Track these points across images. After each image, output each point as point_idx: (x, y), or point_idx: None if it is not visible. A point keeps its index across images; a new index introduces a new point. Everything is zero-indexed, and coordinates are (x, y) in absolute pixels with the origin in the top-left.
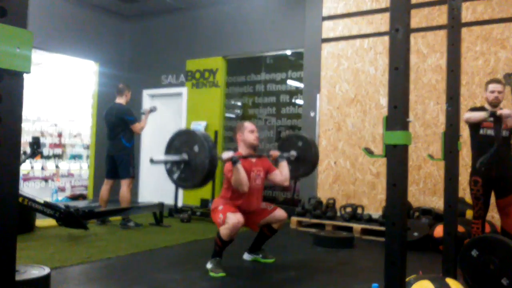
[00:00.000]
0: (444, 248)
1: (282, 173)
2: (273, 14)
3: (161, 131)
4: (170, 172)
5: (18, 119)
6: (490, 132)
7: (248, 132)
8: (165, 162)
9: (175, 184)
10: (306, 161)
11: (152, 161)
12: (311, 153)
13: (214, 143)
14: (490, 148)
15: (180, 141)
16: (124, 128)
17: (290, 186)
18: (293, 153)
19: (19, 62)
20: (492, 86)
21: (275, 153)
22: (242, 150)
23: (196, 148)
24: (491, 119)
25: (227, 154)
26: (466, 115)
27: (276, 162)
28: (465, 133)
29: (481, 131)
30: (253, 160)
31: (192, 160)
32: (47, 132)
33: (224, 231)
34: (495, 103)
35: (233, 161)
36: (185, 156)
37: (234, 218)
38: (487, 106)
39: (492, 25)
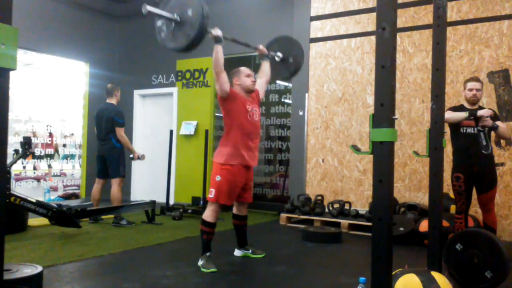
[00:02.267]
0: (429, 242)
1: (264, 71)
2: (262, 14)
3: (152, 131)
4: (159, 30)
5: (4, 116)
6: (470, 130)
7: (245, 77)
8: (158, 15)
9: (161, 42)
10: (290, 62)
11: (145, 9)
12: (295, 53)
13: (207, 13)
14: (470, 147)
15: (177, 1)
16: (114, 129)
17: (279, 184)
18: (279, 53)
19: (4, 59)
20: (470, 84)
21: (263, 49)
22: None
23: (189, 12)
24: (471, 118)
25: (216, 31)
26: (446, 115)
27: (262, 58)
28: (449, 130)
29: (461, 130)
30: (248, 98)
31: (183, 22)
32: (38, 132)
33: (208, 218)
34: (473, 101)
35: (218, 39)
36: (176, 17)
37: (217, 205)
38: (465, 104)
39: (476, 24)
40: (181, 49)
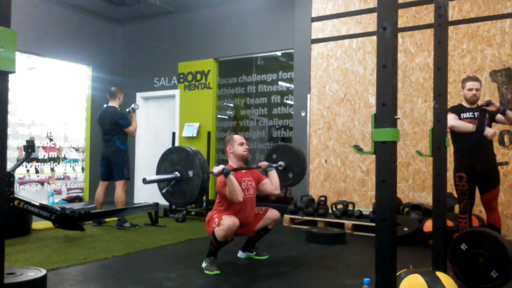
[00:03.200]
0: (434, 243)
1: (272, 182)
2: (263, 15)
3: (155, 133)
4: (160, 186)
5: (3, 119)
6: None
7: (238, 145)
8: (159, 181)
9: (164, 197)
10: (294, 170)
11: (145, 181)
12: (299, 162)
13: (206, 165)
14: (472, 146)
15: (174, 158)
16: (118, 131)
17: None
18: (281, 163)
19: (3, 62)
20: (470, 84)
21: (263, 164)
22: (233, 162)
23: (190, 173)
24: (470, 115)
25: (218, 168)
26: (450, 120)
27: (265, 173)
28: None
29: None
30: (243, 171)
31: (184, 179)
32: (41, 136)
33: (219, 232)
34: (473, 101)
35: (225, 173)
36: (177, 174)
37: (230, 220)
38: (464, 103)
39: (478, 23)
40: (187, 204)
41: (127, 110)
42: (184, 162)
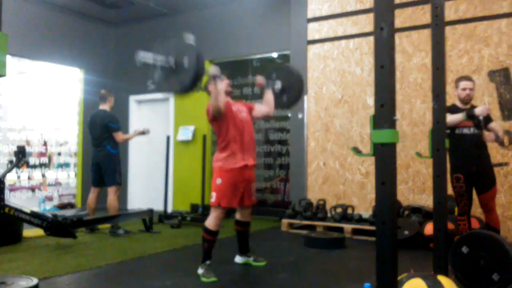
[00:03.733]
0: (435, 246)
1: (267, 101)
2: (259, 17)
3: (149, 137)
4: (152, 71)
5: None
6: (466, 131)
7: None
8: (152, 65)
9: (156, 85)
10: (291, 90)
11: (138, 58)
12: (295, 81)
13: (203, 62)
14: (468, 147)
15: (172, 45)
16: (109, 135)
17: (280, 188)
18: (278, 83)
19: None
20: (463, 84)
21: (261, 80)
22: None
23: (185, 59)
24: (469, 117)
25: (214, 70)
26: (447, 119)
27: (262, 90)
28: None
29: (457, 131)
30: (230, 100)
31: (178, 68)
32: (32, 141)
33: (209, 221)
34: (467, 101)
35: (216, 76)
36: (172, 63)
37: (220, 211)
38: (457, 103)
39: (475, 23)
40: (177, 93)
41: (141, 130)
42: (177, 51)
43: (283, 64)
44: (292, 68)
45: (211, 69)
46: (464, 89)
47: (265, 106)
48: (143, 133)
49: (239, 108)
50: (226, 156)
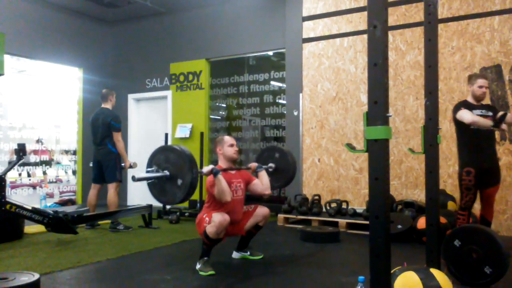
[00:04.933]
0: (427, 239)
1: (262, 182)
2: (254, 15)
3: (147, 135)
4: (153, 191)
5: None
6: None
7: (228, 146)
8: (148, 179)
9: (154, 197)
10: (284, 171)
11: (134, 178)
12: (288, 163)
13: (195, 164)
14: (482, 142)
15: (164, 157)
16: (110, 133)
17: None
18: (271, 164)
19: None
20: (481, 81)
21: (253, 165)
22: (222, 163)
23: (180, 171)
24: (480, 112)
25: (207, 168)
26: (470, 117)
27: (255, 174)
28: (444, 126)
29: (472, 126)
30: (233, 172)
31: (173, 178)
32: (33, 139)
33: (210, 229)
34: (482, 98)
35: (214, 172)
36: (166, 173)
37: (220, 216)
38: (470, 99)
39: (467, 21)
40: (178, 201)
41: (123, 164)
42: (174, 161)
43: (275, 146)
44: (284, 149)
45: (204, 170)
46: (481, 87)
47: (261, 186)
48: (131, 166)
49: (237, 187)
50: (212, 210)
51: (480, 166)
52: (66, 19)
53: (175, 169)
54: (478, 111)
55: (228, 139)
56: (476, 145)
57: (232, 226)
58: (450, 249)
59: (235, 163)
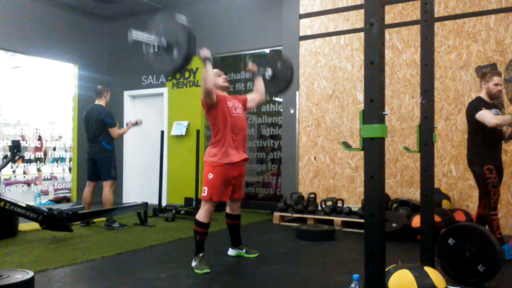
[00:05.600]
0: (422, 238)
1: (258, 89)
2: (251, 12)
3: (143, 132)
4: (146, 52)
5: None
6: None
7: (216, 76)
8: (145, 43)
9: (148, 65)
10: (281, 78)
11: (131, 36)
12: (285, 70)
13: (194, 38)
14: (497, 141)
15: (164, 24)
16: (104, 130)
17: (272, 182)
18: (269, 71)
19: None
20: (497, 79)
21: (253, 67)
22: None
23: (176, 37)
24: (495, 112)
25: (205, 52)
26: (493, 120)
27: (253, 76)
28: (439, 125)
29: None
30: (227, 95)
31: (170, 47)
32: (28, 135)
33: (201, 217)
34: (497, 96)
35: (207, 58)
36: (163, 42)
37: (211, 205)
38: (485, 97)
39: (463, 19)
40: (168, 73)
41: (134, 121)
42: (168, 29)
43: (274, 52)
44: (283, 56)
45: (202, 51)
46: (497, 85)
47: (256, 94)
48: (136, 123)
49: (234, 104)
50: (218, 151)
51: (496, 164)
52: (61, 15)
53: (173, 40)
54: (494, 111)
55: (214, 70)
56: (493, 143)
57: (237, 150)
58: (444, 247)
59: (228, 92)
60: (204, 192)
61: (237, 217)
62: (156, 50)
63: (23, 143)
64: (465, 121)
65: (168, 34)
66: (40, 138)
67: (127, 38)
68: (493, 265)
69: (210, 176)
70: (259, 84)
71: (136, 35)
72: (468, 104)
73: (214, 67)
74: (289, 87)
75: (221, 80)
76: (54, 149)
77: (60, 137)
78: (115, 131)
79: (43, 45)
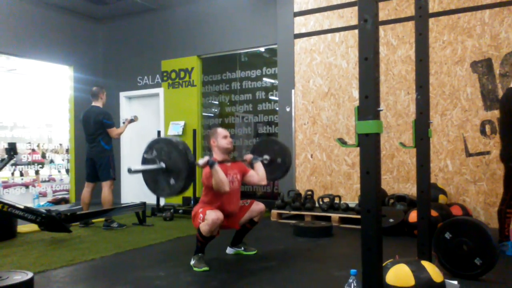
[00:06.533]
0: (419, 232)
1: (258, 173)
2: (245, 11)
3: (140, 133)
4: (149, 183)
5: None
6: None
7: (222, 138)
8: (143, 171)
9: (156, 194)
10: (279, 164)
11: (130, 171)
12: (284, 156)
13: (192, 156)
14: None
15: (159, 149)
16: (102, 131)
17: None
18: (266, 156)
19: None
20: None
21: (248, 156)
22: (217, 155)
23: (175, 160)
24: None
25: (203, 160)
26: None
27: (251, 165)
28: (435, 120)
29: None
30: (228, 164)
31: (169, 171)
32: (24, 138)
33: (204, 227)
34: None
35: (210, 163)
36: (162, 164)
37: (214, 214)
38: None
39: (458, 14)
40: (175, 194)
41: (129, 118)
42: (169, 153)
43: (270, 138)
44: (279, 141)
45: (200, 161)
46: None
47: (257, 176)
48: (132, 120)
49: (233, 178)
50: (209, 203)
51: None
52: (56, 17)
53: (171, 161)
54: None
55: (221, 130)
56: None
57: (227, 219)
58: (441, 241)
59: (230, 155)
60: (200, 218)
61: (254, 223)
62: (157, 175)
63: (20, 146)
64: (461, 116)
65: (165, 157)
66: (37, 141)
67: (122, 39)
68: (490, 258)
69: (200, 210)
70: (260, 169)
71: (135, 169)
72: (507, 92)
73: (209, 68)
74: (287, 172)
75: (226, 142)
76: (52, 151)
77: (58, 140)
78: (114, 132)
79: (38, 48)
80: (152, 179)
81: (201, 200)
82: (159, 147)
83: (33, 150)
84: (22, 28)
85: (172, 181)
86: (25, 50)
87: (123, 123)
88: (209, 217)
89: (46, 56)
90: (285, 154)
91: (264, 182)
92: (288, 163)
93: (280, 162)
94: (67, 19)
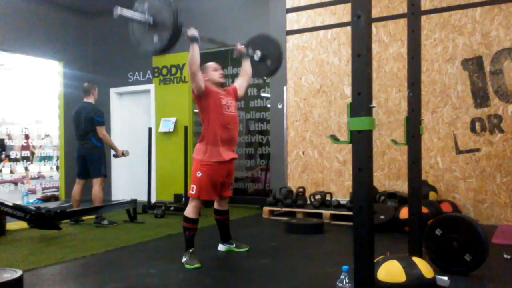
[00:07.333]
0: (410, 229)
1: (245, 72)
2: (237, 7)
3: (130, 129)
4: (132, 32)
5: None
6: None
7: (212, 71)
8: (131, 19)
9: (135, 45)
10: (268, 67)
11: (116, 12)
12: (274, 50)
13: (180, 15)
14: None
15: (150, 3)
16: (94, 128)
17: (261, 178)
18: (258, 52)
19: None
20: None
21: (241, 48)
22: None
23: (163, 14)
24: None
25: (192, 31)
26: None
27: (241, 58)
28: (426, 118)
29: None
30: (221, 91)
31: (156, 24)
32: (13, 134)
33: (188, 213)
34: None
35: (194, 38)
36: (149, 19)
37: (199, 201)
38: None
39: (450, 12)
40: (155, 52)
41: (115, 153)
42: (155, 7)
43: (263, 33)
44: (271, 37)
45: (190, 30)
46: None
47: (243, 79)
48: (123, 154)
49: (228, 102)
50: (208, 148)
51: None
52: (45, 11)
53: (158, 18)
54: None
55: (211, 64)
56: None
57: (228, 151)
58: (432, 238)
59: (223, 87)
60: (193, 190)
61: (226, 213)
62: (143, 29)
63: (8, 142)
64: (451, 114)
65: (154, 12)
66: (26, 137)
67: (112, 34)
68: (480, 255)
69: (199, 174)
70: (247, 66)
71: (122, 11)
72: None
73: (201, 64)
74: (279, 69)
75: (217, 75)
76: (41, 147)
77: (47, 136)
78: (102, 131)
79: (26, 43)
80: (138, 31)
81: (202, 133)
82: (148, 4)
83: (23, 146)
84: (10, 23)
85: (155, 38)
86: (14, 45)
87: (114, 155)
88: (193, 202)
89: (35, 51)
90: (276, 51)
91: (250, 80)
92: (279, 61)
93: (271, 60)
94: (56, 14)
